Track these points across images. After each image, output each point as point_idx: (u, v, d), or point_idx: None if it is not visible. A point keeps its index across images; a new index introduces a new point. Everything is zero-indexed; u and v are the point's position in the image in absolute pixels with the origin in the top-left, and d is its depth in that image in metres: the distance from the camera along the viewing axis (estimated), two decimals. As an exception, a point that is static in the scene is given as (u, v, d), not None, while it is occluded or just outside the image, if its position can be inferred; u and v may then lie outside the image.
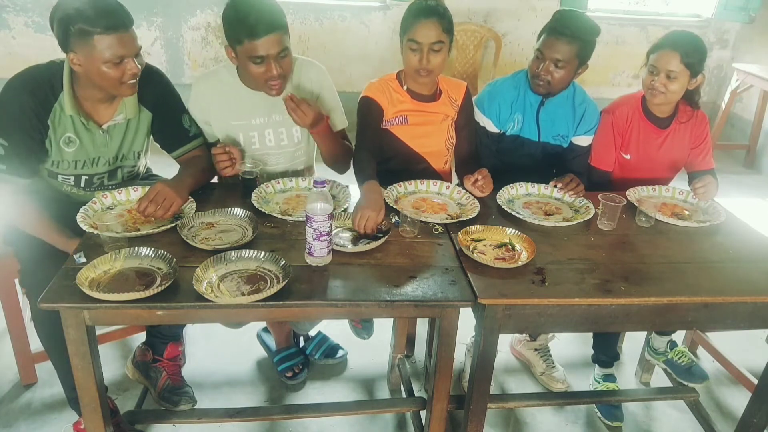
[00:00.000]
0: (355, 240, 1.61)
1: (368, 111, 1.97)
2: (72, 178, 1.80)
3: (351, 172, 1.97)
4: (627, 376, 2.38)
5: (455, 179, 2.19)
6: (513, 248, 1.62)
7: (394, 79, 2.00)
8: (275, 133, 1.96)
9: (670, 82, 1.93)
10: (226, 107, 1.91)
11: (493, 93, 2.11)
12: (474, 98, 2.16)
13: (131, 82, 1.64)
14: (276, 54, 1.73)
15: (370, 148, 1.91)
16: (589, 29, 1.92)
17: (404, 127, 2.01)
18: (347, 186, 1.89)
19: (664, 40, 1.95)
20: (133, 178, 1.93)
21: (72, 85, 1.68)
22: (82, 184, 1.83)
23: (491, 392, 1.66)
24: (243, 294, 1.34)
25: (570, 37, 1.88)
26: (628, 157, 2.11)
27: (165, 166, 1.96)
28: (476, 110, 2.13)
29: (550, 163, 2.19)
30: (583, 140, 2.11)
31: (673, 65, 1.91)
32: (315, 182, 1.45)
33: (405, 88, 1.99)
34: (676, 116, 2.07)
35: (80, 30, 1.53)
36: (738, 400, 2.25)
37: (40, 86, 1.66)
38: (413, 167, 2.07)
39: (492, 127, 2.10)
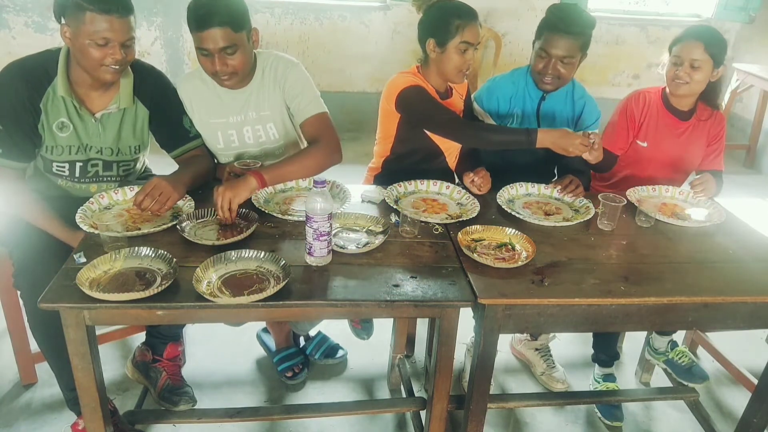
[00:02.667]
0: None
1: (426, 94, 1.93)
2: (66, 166, 1.80)
3: (349, 172, 1.97)
4: (627, 376, 2.38)
5: (457, 176, 2.20)
6: (513, 248, 1.62)
7: (418, 73, 2.00)
8: (253, 131, 1.96)
9: (694, 72, 1.96)
10: (205, 106, 1.91)
11: (492, 88, 2.13)
12: (473, 94, 2.18)
13: (113, 68, 1.64)
14: (220, 49, 1.71)
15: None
16: (587, 22, 1.94)
17: None
18: (347, 187, 1.89)
19: (686, 32, 1.99)
20: (129, 175, 1.93)
21: (67, 69, 1.70)
22: (77, 174, 1.82)
23: (491, 392, 1.66)
24: (243, 294, 1.34)
25: (572, 34, 1.90)
26: (644, 144, 2.12)
27: (165, 165, 1.96)
28: (475, 105, 2.15)
29: (550, 160, 2.20)
30: None
31: (697, 54, 1.94)
32: (315, 182, 1.44)
33: (430, 84, 2.00)
34: (695, 112, 2.09)
35: (76, 3, 1.54)
36: (738, 400, 2.25)
37: (33, 72, 1.68)
38: (430, 163, 2.08)
39: (490, 121, 2.11)
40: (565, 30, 1.90)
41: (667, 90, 2.09)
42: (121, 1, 1.58)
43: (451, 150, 2.11)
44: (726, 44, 2.00)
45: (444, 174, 2.08)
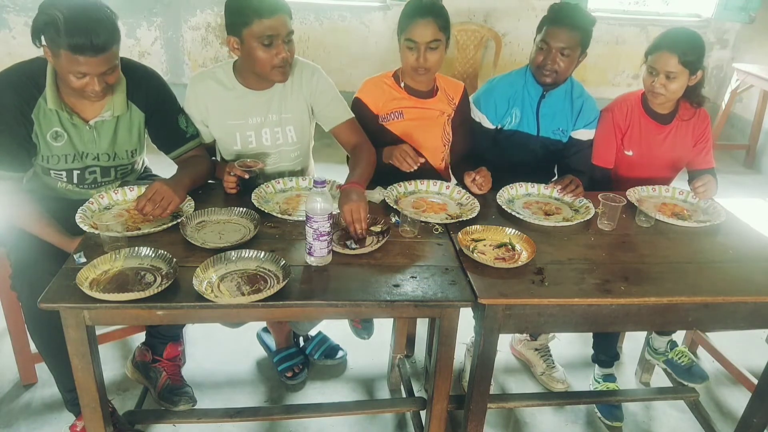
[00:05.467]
0: (342, 238, 1.60)
1: (360, 114, 2.01)
2: (64, 173, 1.79)
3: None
4: (627, 376, 2.38)
5: (455, 179, 2.19)
6: (513, 248, 1.62)
7: (390, 77, 2.03)
8: (271, 133, 1.96)
9: (669, 83, 1.94)
10: (222, 107, 1.91)
11: (490, 89, 2.14)
12: (471, 95, 2.18)
13: (92, 94, 1.61)
14: (284, 35, 1.73)
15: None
16: (588, 19, 1.97)
17: (399, 122, 2.02)
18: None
19: (660, 40, 1.96)
20: (126, 175, 1.93)
21: (55, 80, 1.67)
22: (75, 180, 1.82)
23: (491, 392, 1.66)
24: (243, 294, 1.34)
25: (572, 26, 1.92)
26: (630, 153, 2.11)
27: (165, 165, 1.96)
28: (473, 107, 2.15)
29: (550, 159, 2.20)
30: (582, 134, 2.12)
31: (671, 66, 1.91)
32: (315, 182, 1.44)
33: (402, 85, 2.01)
34: (677, 113, 2.08)
35: (51, 38, 1.50)
36: (738, 400, 2.25)
37: (22, 82, 1.66)
38: None
39: (487, 123, 2.12)
40: (565, 22, 1.92)
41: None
42: (95, 39, 1.49)
43: (434, 151, 2.10)
44: (703, 48, 1.95)
45: (432, 176, 2.07)
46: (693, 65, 1.92)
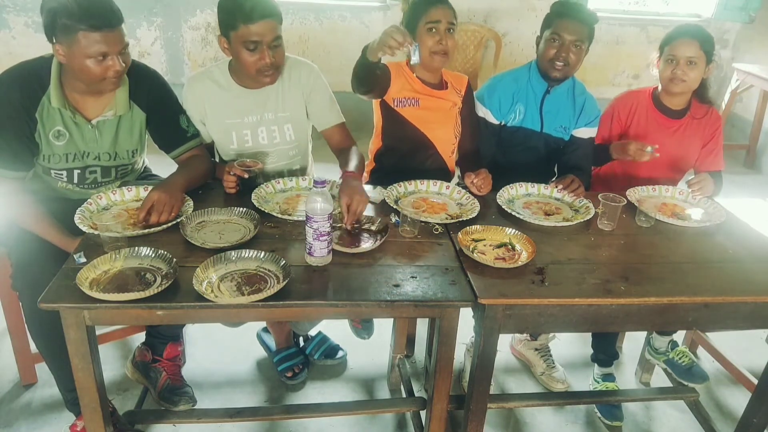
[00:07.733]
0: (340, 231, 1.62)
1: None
2: (65, 173, 1.80)
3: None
4: (627, 376, 2.38)
5: (459, 175, 2.20)
6: (513, 248, 1.62)
7: (405, 66, 2.05)
8: (268, 131, 1.97)
9: (690, 69, 2.00)
10: (219, 106, 1.91)
11: (493, 85, 2.15)
12: (475, 93, 2.20)
13: (114, 78, 1.64)
14: (270, 41, 1.74)
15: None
16: (592, 16, 2.02)
17: (415, 110, 2.03)
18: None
19: (678, 30, 2.02)
20: (126, 175, 1.93)
21: (60, 78, 1.68)
22: (75, 180, 1.82)
23: (491, 392, 1.66)
24: (243, 294, 1.34)
25: (582, 20, 1.97)
26: None
27: (165, 165, 1.96)
28: (477, 103, 2.17)
29: (552, 157, 2.20)
30: (583, 132, 2.14)
31: (692, 51, 1.98)
32: (315, 182, 1.44)
33: (415, 75, 2.03)
34: (689, 110, 2.10)
35: (65, 24, 1.52)
36: (738, 400, 2.25)
37: (27, 81, 1.67)
38: (421, 155, 2.10)
39: (491, 118, 2.13)
40: (575, 16, 1.97)
41: (659, 89, 2.12)
42: (109, 14, 1.56)
43: (443, 143, 2.11)
44: (714, 41, 2.03)
45: (440, 170, 2.10)
46: (710, 54, 2.00)
